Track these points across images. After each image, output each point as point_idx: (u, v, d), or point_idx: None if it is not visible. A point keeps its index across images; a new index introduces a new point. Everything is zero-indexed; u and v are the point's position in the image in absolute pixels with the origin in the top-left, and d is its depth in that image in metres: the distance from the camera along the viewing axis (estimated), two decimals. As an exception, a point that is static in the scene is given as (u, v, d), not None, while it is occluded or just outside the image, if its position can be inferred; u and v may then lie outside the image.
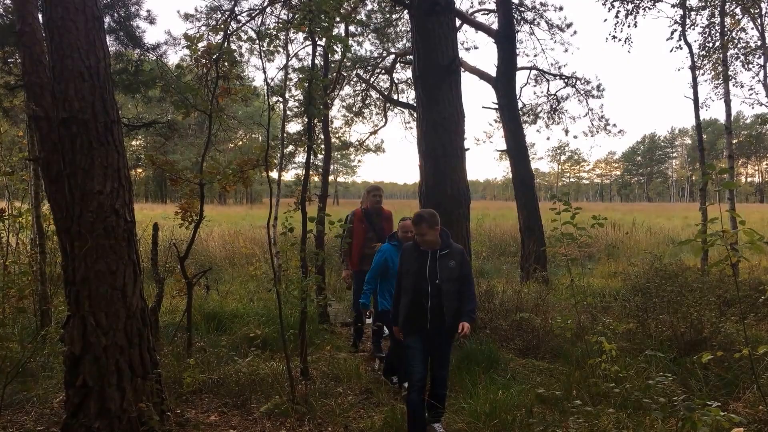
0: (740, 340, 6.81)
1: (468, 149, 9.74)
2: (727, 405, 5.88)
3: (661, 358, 6.96)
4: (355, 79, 22.59)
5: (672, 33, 15.52)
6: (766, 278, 12.40)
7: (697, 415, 3.44)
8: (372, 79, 22.50)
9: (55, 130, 5.27)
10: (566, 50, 23.69)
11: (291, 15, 11.79)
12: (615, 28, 16.57)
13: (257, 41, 6.68)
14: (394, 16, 20.49)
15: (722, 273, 9.90)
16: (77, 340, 5.18)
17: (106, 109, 5.32)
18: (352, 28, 19.24)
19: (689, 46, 15.06)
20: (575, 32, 21.14)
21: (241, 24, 13.77)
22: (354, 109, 24.19)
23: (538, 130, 36.57)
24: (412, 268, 5.70)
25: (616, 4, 16.15)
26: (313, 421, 5.83)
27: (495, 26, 17.95)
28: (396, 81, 22.73)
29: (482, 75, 18.64)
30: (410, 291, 5.68)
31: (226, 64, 7.44)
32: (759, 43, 15.40)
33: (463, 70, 17.87)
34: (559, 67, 22.01)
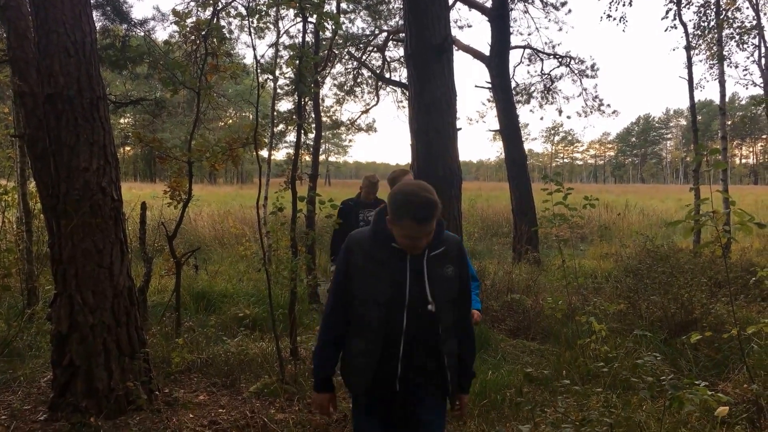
0: (730, 321, 6.81)
1: (460, 129, 9.69)
2: (716, 385, 5.89)
3: (651, 339, 6.97)
4: (346, 57, 22.48)
5: (667, 12, 15.48)
6: (757, 260, 12.43)
7: (684, 394, 3.43)
8: (364, 57, 22.37)
9: (41, 106, 5.21)
10: (560, 29, 23.63)
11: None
12: (610, 7, 16.56)
13: (247, 17, 6.61)
14: (386, -6, 20.34)
15: (714, 255, 9.91)
16: (64, 318, 5.15)
17: (92, 85, 5.25)
18: (343, 5, 19.13)
19: (684, 25, 15.01)
20: (570, 11, 21.07)
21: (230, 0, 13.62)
22: (345, 87, 24.10)
23: (531, 110, 36.62)
24: (378, 286, 3.03)
25: (611, -18, 16.07)
26: (302, 401, 5.80)
27: (489, 4, 17.84)
28: (388, 59, 22.64)
29: (475, 54, 18.55)
30: (372, 329, 3.04)
31: (215, 40, 7.34)
32: (754, 22, 15.36)
33: (456, 48, 17.78)
34: (553, 47, 22.03)
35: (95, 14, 9.27)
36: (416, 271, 3.03)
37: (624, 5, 16.29)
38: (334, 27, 7.35)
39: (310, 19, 6.91)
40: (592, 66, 21.77)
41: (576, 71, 21.71)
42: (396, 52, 22.89)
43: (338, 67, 23.33)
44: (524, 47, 21.55)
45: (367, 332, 3.06)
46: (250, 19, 6.74)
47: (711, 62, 16.97)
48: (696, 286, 8.04)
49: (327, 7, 6.88)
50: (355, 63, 22.85)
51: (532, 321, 8.38)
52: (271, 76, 12.83)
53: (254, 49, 13.59)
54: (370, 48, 22.24)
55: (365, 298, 3.06)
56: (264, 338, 7.64)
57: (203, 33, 7.19)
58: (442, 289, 3.06)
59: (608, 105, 31.92)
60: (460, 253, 3.21)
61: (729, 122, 17.89)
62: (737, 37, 16.07)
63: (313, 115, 10.42)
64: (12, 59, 5.68)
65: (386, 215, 3.02)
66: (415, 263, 3.04)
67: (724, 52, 15.23)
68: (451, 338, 3.16)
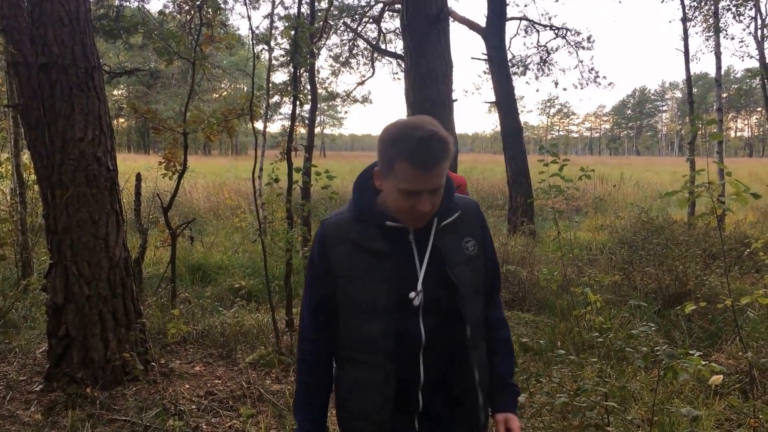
0: (724, 293, 6.85)
1: (456, 100, 9.67)
2: (709, 356, 5.93)
3: (645, 310, 7.01)
4: (342, 28, 22.35)
5: (664, -17, 15.33)
6: (751, 232, 12.48)
7: (678, 364, 3.45)
8: (359, 29, 22.21)
9: (35, 75, 5.17)
10: (557, 0, 23.44)
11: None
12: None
13: (241, -13, 6.54)
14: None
15: (708, 227, 9.95)
16: (60, 289, 5.16)
17: (87, 55, 5.22)
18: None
19: (681, -4, 14.90)
20: (566, -18, 20.90)
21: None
22: (341, 59, 23.99)
23: (527, 82, 36.57)
24: (375, 287, 2.13)
25: (608, -47, 15.93)
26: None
27: (485, -25, 17.66)
28: (384, 30, 22.49)
29: (471, 25, 18.42)
30: (373, 350, 2.15)
31: (209, 10, 7.27)
32: (751, -6, 15.24)
33: (451, 19, 17.64)
34: (550, 18, 21.85)
35: (88, -17, 9.16)
36: (425, 251, 2.15)
37: (621, -24, 16.08)
38: (329, -3, 7.29)
39: (305, -11, 6.85)
40: (589, 38, 21.67)
41: (572, 43, 21.58)
42: (392, 23, 22.73)
43: (334, 39, 23.23)
44: (520, 19, 21.41)
45: (366, 355, 2.16)
46: (245, -11, 6.66)
47: (707, 34, 16.88)
48: (690, 258, 8.07)
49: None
50: (350, 34, 22.73)
51: (527, 292, 8.42)
52: (266, 47, 12.74)
53: (249, 20, 13.48)
54: (366, 19, 22.10)
55: (358, 307, 2.15)
56: (260, 309, 7.67)
57: (197, 3, 7.13)
58: (464, 274, 2.17)
59: (604, 77, 31.77)
60: (480, 220, 2.31)
61: (724, 95, 17.89)
62: (733, 9, 15.98)
63: (309, 87, 10.34)
64: (5, 28, 5.62)
65: (372, 177, 2.17)
66: (422, 240, 2.15)
67: (720, 24, 15.15)
68: (481, 342, 2.29)
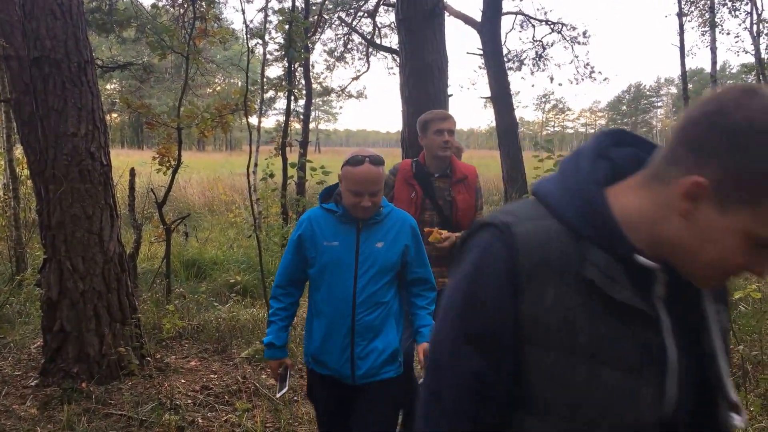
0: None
1: (452, 95, 9.64)
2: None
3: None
4: (336, 23, 22.32)
5: (659, -22, 15.35)
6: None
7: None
8: (354, 23, 22.18)
9: (27, 69, 5.15)
10: (552, -4, 23.47)
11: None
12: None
13: (236, -19, 6.54)
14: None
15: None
16: (54, 284, 5.15)
17: (79, 49, 5.19)
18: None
19: (676, -9, 14.91)
20: (562, -23, 20.88)
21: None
22: (336, 53, 23.95)
23: (522, 78, 36.57)
24: (622, 368, 1.07)
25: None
26: (293, 367, 5.83)
27: (480, -30, 17.64)
28: (379, 25, 22.47)
29: (467, 20, 18.42)
30: None
31: (203, 4, 7.25)
32: (746, -11, 15.26)
33: (447, 14, 17.63)
34: (545, 13, 22.05)
35: (81, -23, 9.12)
36: (678, 326, 1.15)
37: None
38: (324, -9, 7.29)
39: (299, -17, 6.83)
40: (584, 33, 21.73)
41: (568, 38, 21.63)
42: (387, 17, 22.74)
43: (328, 33, 23.31)
44: (516, 13, 21.43)
45: None
46: (239, -17, 6.65)
47: (703, 29, 16.93)
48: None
49: (317, -29, 6.80)
50: (345, 28, 22.71)
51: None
52: (260, 41, 12.72)
53: (243, 13, 13.48)
54: (361, 13, 22.07)
55: (582, 418, 1.12)
56: (255, 304, 7.66)
57: (191, -4, 7.11)
58: (725, 370, 1.17)
59: (599, 72, 31.87)
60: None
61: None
62: (729, 4, 16.01)
63: (303, 82, 10.32)
64: (-4, 22, 5.59)
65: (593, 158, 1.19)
66: (675, 304, 1.15)
67: (716, 19, 15.17)
68: None
